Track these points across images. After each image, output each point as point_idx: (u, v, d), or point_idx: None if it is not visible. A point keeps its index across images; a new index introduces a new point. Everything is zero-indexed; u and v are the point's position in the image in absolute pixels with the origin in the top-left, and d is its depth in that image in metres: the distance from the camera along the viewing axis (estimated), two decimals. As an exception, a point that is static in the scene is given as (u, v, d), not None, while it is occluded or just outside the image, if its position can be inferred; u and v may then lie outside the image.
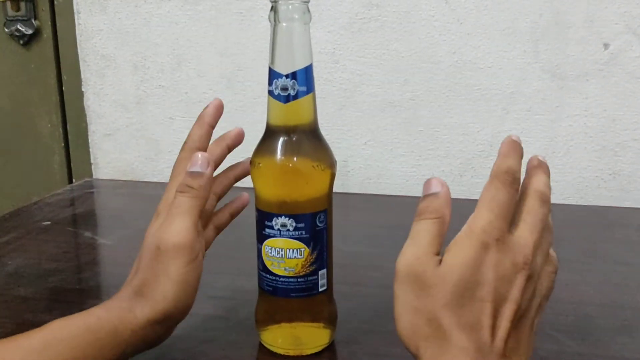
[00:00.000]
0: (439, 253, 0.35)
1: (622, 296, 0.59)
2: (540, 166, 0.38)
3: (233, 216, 0.52)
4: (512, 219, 0.36)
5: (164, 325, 0.43)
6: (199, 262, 0.43)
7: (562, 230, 0.81)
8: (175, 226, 0.42)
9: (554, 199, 0.96)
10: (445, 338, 0.33)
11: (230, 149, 0.50)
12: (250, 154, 0.47)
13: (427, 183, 0.37)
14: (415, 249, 0.35)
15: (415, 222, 0.37)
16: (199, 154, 0.44)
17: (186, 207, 0.42)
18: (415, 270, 0.35)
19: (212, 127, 0.49)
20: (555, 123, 0.89)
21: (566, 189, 0.90)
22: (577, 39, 0.86)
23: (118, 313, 0.41)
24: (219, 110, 0.50)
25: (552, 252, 0.38)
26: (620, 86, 0.86)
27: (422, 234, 0.36)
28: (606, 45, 0.85)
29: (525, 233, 0.35)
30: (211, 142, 0.50)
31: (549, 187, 0.38)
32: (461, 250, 0.34)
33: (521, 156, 0.38)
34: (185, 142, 0.49)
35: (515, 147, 0.37)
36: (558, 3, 0.85)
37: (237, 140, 0.50)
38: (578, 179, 0.90)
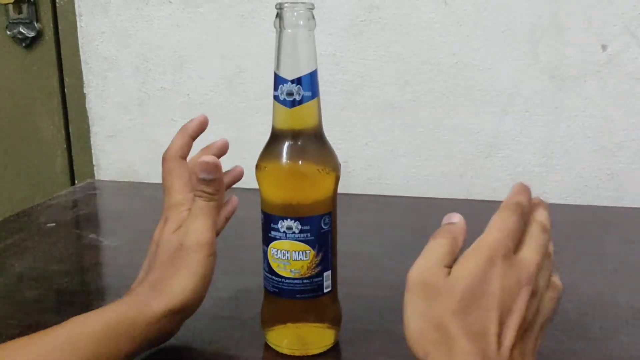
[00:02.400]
0: (450, 267, 0.38)
1: (620, 295, 0.59)
2: (541, 204, 0.41)
3: (228, 219, 0.54)
4: (518, 243, 0.38)
5: (179, 316, 0.46)
6: (215, 256, 0.47)
7: (561, 230, 0.82)
8: (198, 225, 0.46)
9: (552, 199, 0.97)
10: (452, 344, 0.34)
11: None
12: (253, 156, 0.48)
13: (448, 216, 0.41)
14: (426, 261, 0.38)
15: (430, 240, 0.39)
16: (207, 160, 0.46)
17: (206, 210, 0.46)
18: (425, 278, 0.37)
19: (193, 139, 0.51)
20: (553, 124, 0.90)
21: (565, 189, 0.91)
22: (576, 40, 0.87)
23: (136, 306, 0.44)
24: (203, 126, 0.52)
25: (556, 279, 0.40)
26: (618, 87, 0.87)
27: (434, 248, 0.38)
28: (604, 47, 0.86)
29: (528, 254, 0.37)
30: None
31: (549, 221, 0.41)
32: (469, 261, 0.37)
33: (530, 198, 0.41)
34: (166, 152, 0.51)
35: (526, 190, 0.41)
36: (556, 5, 0.86)
37: (222, 150, 0.52)
38: (576, 179, 0.91)
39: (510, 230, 0.38)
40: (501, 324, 0.35)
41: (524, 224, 0.39)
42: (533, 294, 0.36)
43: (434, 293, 0.36)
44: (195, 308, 0.47)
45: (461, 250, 0.39)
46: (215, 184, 0.46)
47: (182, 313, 0.46)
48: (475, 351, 0.34)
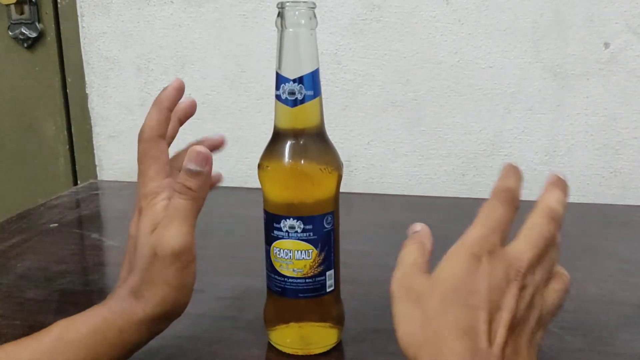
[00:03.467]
0: (426, 271, 0.38)
1: (622, 293, 0.59)
2: (557, 183, 0.39)
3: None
4: (508, 233, 0.37)
5: (165, 320, 0.44)
6: (194, 262, 0.43)
7: (564, 228, 0.82)
8: (173, 231, 0.41)
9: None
10: (440, 344, 0.34)
11: (181, 122, 0.48)
12: (255, 155, 0.48)
13: (411, 226, 0.42)
14: (402, 269, 0.39)
15: (400, 251, 0.40)
16: (197, 150, 0.41)
17: (185, 211, 0.41)
18: (405, 284, 0.38)
19: (170, 110, 0.45)
20: (556, 122, 0.90)
21: (568, 187, 0.91)
22: (578, 38, 0.87)
23: (121, 314, 0.42)
24: (179, 92, 0.45)
25: (563, 270, 0.38)
26: (620, 85, 0.87)
27: (405, 256, 0.40)
28: (606, 45, 0.86)
29: (522, 247, 0.36)
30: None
31: (563, 205, 0.38)
32: (451, 261, 0.36)
33: (520, 179, 0.40)
34: (142, 131, 0.44)
35: (514, 170, 0.40)
36: (558, 3, 0.86)
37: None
38: (579, 177, 0.91)
39: (496, 222, 0.36)
40: (490, 321, 0.34)
41: (517, 211, 0.37)
42: (522, 288, 0.35)
43: (417, 297, 0.36)
44: (181, 312, 0.44)
45: (445, 251, 0.38)
46: (200, 179, 0.41)
47: (168, 318, 0.44)
48: (463, 350, 0.33)
